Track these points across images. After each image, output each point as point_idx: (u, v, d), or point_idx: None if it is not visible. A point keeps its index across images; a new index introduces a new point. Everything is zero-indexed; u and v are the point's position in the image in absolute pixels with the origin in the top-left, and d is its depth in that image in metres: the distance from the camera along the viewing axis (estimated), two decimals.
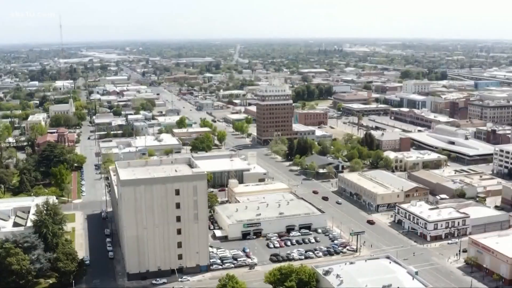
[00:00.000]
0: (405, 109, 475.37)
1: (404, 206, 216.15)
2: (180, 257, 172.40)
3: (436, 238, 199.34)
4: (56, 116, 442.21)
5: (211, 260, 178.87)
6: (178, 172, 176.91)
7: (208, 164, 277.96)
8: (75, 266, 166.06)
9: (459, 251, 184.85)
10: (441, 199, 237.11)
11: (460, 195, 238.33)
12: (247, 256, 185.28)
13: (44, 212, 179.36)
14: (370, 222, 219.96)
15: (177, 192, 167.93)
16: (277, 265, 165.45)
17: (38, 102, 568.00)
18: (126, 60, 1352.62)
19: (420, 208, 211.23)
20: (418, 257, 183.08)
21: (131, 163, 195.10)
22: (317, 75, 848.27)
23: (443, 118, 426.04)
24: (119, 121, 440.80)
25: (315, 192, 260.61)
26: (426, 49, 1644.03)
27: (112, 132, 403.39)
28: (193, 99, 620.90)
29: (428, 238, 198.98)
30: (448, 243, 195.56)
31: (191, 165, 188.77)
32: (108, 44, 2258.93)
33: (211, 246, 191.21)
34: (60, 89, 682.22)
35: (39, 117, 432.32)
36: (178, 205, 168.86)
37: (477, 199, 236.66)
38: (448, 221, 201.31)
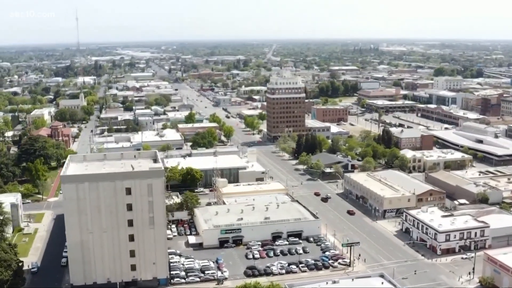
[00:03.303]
0: (432, 106, 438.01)
1: (413, 212, 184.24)
2: (133, 268, 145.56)
3: (448, 252, 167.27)
4: (61, 110, 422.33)
5: (173, 272, 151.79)
6: (135, 168, 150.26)
7: (202, 161, 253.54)
8: (10, 274, 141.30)
9: (473, 268, 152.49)
10: (460, 204, 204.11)
11: (482, 200, 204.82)
12: (219, 268, 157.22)
13: None
14: (350, 213, 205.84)
15: (129, 191, 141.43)
16: (252, 280, 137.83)
17: (52, 97, 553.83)
18: (157, 58, 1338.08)
19: (431, 215, 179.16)
20: (423, 275, 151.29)
21: (88, 156, 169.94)
22: (348, 73, 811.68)
23: (473, 115, 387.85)
24: (127, 116, 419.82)
25: (316, 194, 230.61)
26: (465, 48, 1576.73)
27: (116, 127, 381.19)
28: (213, 95, 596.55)
29: (438, 252, 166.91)
30: (462, 258, 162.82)
31: (156, 160, 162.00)
32: (146, 44, 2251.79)
33: (180, 255, 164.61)
34: (79, 84, 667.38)
35: (43, 111, 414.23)
36: (130, 207, 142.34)
37: (502, 205, 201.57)
38: (463, 231, 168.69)
